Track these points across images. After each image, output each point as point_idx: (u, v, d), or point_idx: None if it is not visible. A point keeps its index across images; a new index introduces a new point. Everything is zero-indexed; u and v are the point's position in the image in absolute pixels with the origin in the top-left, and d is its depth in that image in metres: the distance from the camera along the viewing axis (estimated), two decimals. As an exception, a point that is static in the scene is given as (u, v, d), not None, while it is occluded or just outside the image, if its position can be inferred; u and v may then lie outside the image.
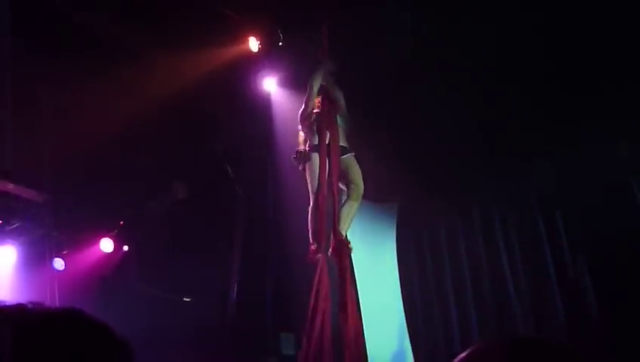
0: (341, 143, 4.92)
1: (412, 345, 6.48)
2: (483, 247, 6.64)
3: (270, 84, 6.95)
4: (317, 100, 5.07)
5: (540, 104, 5.98)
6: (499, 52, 5.91)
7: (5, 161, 5.82)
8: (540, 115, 6.01)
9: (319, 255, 4.49)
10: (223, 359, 6.80)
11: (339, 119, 5.07)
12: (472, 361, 1.01)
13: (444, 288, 6.80)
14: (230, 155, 7.51)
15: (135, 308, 6.81)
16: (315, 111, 5.06)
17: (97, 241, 7.13)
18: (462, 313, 6.61)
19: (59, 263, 6.59)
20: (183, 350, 6.55)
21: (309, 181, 4.78)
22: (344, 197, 4.84)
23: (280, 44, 6.66)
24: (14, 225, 6.14)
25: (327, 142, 4.80)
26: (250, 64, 6.90)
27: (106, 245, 7.15)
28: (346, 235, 4.71)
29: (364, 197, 5.06)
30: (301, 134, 5.20)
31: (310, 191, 4.74)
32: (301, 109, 5.10)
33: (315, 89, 4.98)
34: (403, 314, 6.65)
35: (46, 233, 6.38)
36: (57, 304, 5.82)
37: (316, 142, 4.84)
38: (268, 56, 6.85)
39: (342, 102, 5.07)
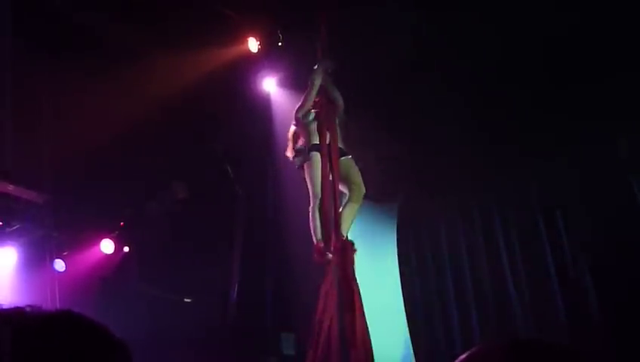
0: (339, 145, 4.90)
1: (413, 345, 6.48)
2: (483, 247, 6.63)
3: (270, 85, 6.95)
4: (315, 99, 5.04)
5: (540, 104, 5.98)
6: (499, 51, 5.90)
7: (5, 161, 5.82)
8: (540, 115, 6.01)
9: (329, 256, 4.45)
10: (224, 359, 6.80)
11: (337, 120, 5.05)
12: None
13: (445, 288, 6.80)
14: (230, 155, 7.51)
15: (135, 308, 6.82)
16: (313, 110, 5.02)
17: (98, 242, 7.14)
18: (462, 313, 6.61)
19: (59, 264, 6.60)
20: (184, 350, 6.55)
21: (308, 181, 4.75)
22: (344, 199, 4.82)
23: (280, 44, 6.66)
24: (15, 227, 6.14)
25: (327, 143, 4.77)
26: (250, 64, 6.90)
27: (107, 246, 7.16)
28: (346, 236, 4.69)
29: (365, 197, 5.05)
30: (292, 130, 5.14)
31: (311, 191, 4.71)
32: (298, 105, 5.03)
33: (317, 86, 4.94)
34: (404, 314, 6.64)
35: (46, 234, 6.38)
36: (58, 305, 5.84)
37: (315, 142, 4.80)
38: (267, 57, 6.85)
39: (340, 102, 5.05)
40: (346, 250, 4.46)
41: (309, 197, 4.78)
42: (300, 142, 5.05)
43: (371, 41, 6.04)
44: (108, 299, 6.82)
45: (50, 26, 6.01)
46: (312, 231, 4.63)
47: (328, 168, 4.64)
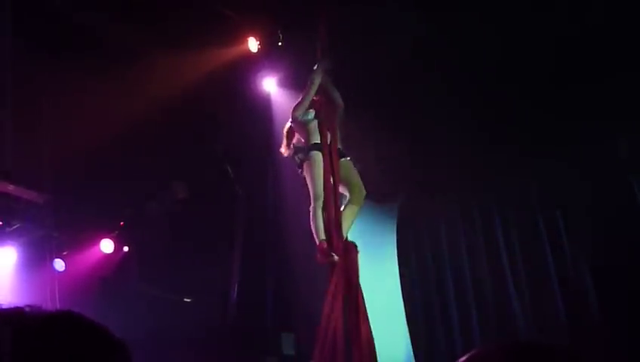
0: (338, 145, 4.88)
1: (413, 345, 6.48)
2: (483, 247, 6.63)
3: (270, 85, 6.95)
4: (315, 98, 5.02)
5: (540, 103, 5.98)
6: (499, 51, 5.90)
7: (5, 161, 5.82)
8: (540, 115, 6.01)
9: (334, 257, 4.42)
10: (224, 359, 6.80)
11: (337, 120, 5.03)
12: None
13: (445, 288, 6.80)
14: (230, 155, 7.51)
15: (135, 308, 6.82)
16: (312, 109, 5.00)
17: (98, 242, 7.13)
18: (462, 313, 6.61)
19: (59, 264, 6.60)
20: (184, 350, 6.55)
21: (309, 180, 4.71)
22: (344, 201, 4.79)
23: (280, 44, 6.65)
24: (15, 226, 6.14)
25: (329, 142, 4.75)
26: (250, 64, 6.90)
27: (107, 246, 7.16)
28: (346, 237, 4.68)
29: (365, 197, 5.04)
30: (287, 126, 5.11)
31: (311, 190, 4.68)
32: (296, 103, 4.99)
33: (316, 85, 4.91)
34: (404, 314, 6.64)
35: (46, 234, 6.38)
36: (58, 305, 5.85)
37: (316, 141, 4.78)
38: (268, 57, 6.85)
39: (340, 102, 5.03)
40: (350, 251, 4.45)
41: (309, 197, 4.77)
42: (295, 140, 5.02)
43: (371, 41, 6.04)
44: (108, 298, 6.82)
45: (50, 26, 6.01)
46: (313, 232, 4.60)
47: (330, 168, 4.62)
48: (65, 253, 6.77)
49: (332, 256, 4.38)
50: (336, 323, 4.13)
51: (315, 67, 4.97)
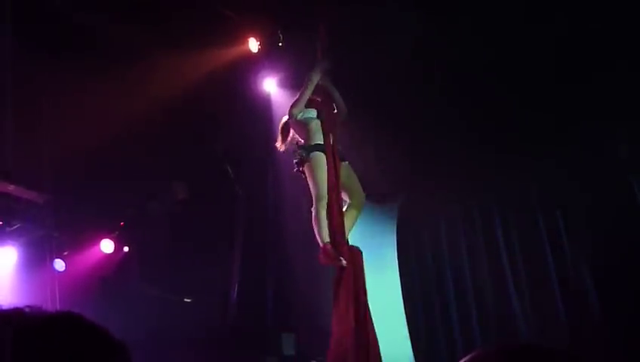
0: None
1: (413, 345, 6.48)
2: (484, 247, 6.63)
3: (270, 85, 6.95)
4: (316, 98, 5.00)
5: (540, 104, 5.98)
6: (499, 52, 5.90)
7: (6, 161, 5.82)
8: (540, 115, 6.01)
9: (343, 261, 4.40)
10: (224, 359, 6.80)
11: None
12: None
13: (445, 288, 6.80)
14: (230, 155, 7.51)
15: (135, 308, 6.82)
16: (312, 108, 4.98)
17: (98, 242, 7.13)
18: (463, 313, 6.61)
19: (59, 264, 6.59)
20: (184, 350, 6.55)
21: (311, 181, 4.67)
22: (344, 206, 4.76)
23: (280, 44, 6.66)
24: (15, 226, 6.14)
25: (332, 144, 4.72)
26: (250, 65, 6.90)
27: (107, 246, 7.16)
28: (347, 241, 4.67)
29: (365, 197, 5.03)
30: (282, 121, 5.08)
31: (314, 191, 4.63)
32: (294, 101, 4.95)
33: (314, 84, 4.88)
34: (404, 314, 6.64)
35: (46, 234, 6.38)
36: (58, 305, 5.85)
37: (318, 142, 4.74)
38: (268, 57, 6.85)
39: (343, 105, 5.00)
40: (356, 256, 4.44)
41: (309, 197, 4.76)
42: (292, 137, 5.00)
43: (371, 41, 6.04)
44: (108, 299, 6.82)
45: (51, 26, 6.01)
46: (316, 233, 4.56)
47: (333, 170, 4.59)
48: (65, 253, 6.77)
49: (340, 260, 4.35)
50: (350, 332, 4.11)
51: (315, 66, 4.95)
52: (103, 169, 6.76)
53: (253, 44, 6.81)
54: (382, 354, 4.20)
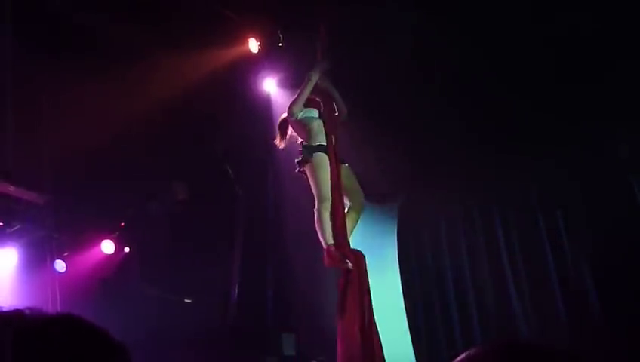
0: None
1: (413, 345, 6.48)
2: (484, 247, 6.63)
3: (270, 85, 6.96)
4: (316, 98, 4.99)
5: (540, 104, 5.98)
6: (499, 51, 5.90)
7: (6, 161, 5.82)
8: (540, 115, 6.01)
9: (349, 264, 4.39)
10: (224, 359, 6.80)
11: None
12: None
13: (446, 288, 6.80)
14: (230, 156, 7.51)
15: (136, 309, 6.82)
16: (314, 108, 4.97)
17: (98, 243, 7.13)
18: (463, 313, 6.61)
19: (60, 265, 6.59)
20: (184, 350, 6.55)
21: (313, 182, 4.63)
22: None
23: (280, 45, 6.66)
24: (15, 228, 6.14)
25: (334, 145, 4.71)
26: (251, 65, 6.91)
27: (107, 247, 7.16)
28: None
29: (365, 197, 5.03)
30: (281, 118, 5.07)
31: (316, 192, 4.61)
32: (293, 99, 4.92)
33: (313, 83, 4.87)
34: (404, 314, 6.65)
35: (47, 235, 6.38)
36: (58, 306, 5.85)
37: (320, 142, 4.73)
38: (268, 57, 6.85)
39: (344, 108, 4.99)
40: (360, 259, 4.43)
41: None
42: (289, 135, 4.99)
43: (371, 41, 6.04)
44: (108, 299, 6.82)
45: (51, 26, 6.01)
46: (319, 235, 4.53)
47: (336, 171, 4.58)
48: (66, 254, 6.76)
49: (347, 262, 4.34)
50: (358, 336, 4.12)
51: (315, 66, 4.94)
52: (103, 169, 6.76)
53: (254, 45, 6.81)
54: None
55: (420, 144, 6.70)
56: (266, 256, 7.55)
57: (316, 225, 4.53)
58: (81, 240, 6.99)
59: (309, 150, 4.65)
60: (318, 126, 4.79)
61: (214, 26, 6.43)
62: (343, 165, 4.73)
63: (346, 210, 4.65)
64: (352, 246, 4.52)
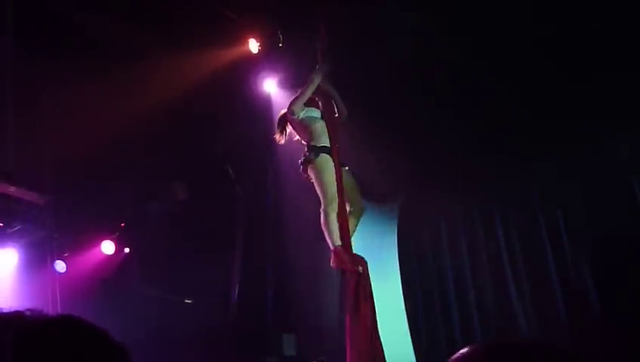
0: None
1: (413, 346, 6.48)
2: (484, 247, 6.63)
3: (270, 85, 6.96)
4: (317, 100, 4.99)
5: (541, 103, 5.98)
6: (499, 52, 5.90)
7: (7, 161, 5.83)
8: (541, 115, 6.01)
9: (360, 268, 4.38)
10: (225, 360, 6.81)
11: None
12: None
13: (446, 288, 6.80)
14: (230, 156, 7.51)
15: (136, 309, 6.83)
16: (316, 108, 4.96)
17: (98, 243, 7.14)
18: (463, 313, 6.61)
19: (60, 265, 6.60)
20: (184, 351, 6.56)
21: (318, 183, 4.59)
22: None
23: (280, 45, 6.66)
24: (15, 228, 6.15)
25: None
26: (251, 65, 6.91)
27: (107, 247, 7.16)
28: None
29: (365, 197, 5.02)
30: (280, 114, 5.06)
31: (322, 193, 4.56)
32: (294, 97, 4.87)
33: (315, 84, 4.86)
34: (404, 314, 6.65)
35: (47, 235, 6.38)
36: (59, 306, 5.86)
37: (323, 144, 4.71)
38: (268, 58, 6.86)
39: (344, 109, 4.99)
40: (363, 264, 4.43)
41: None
42: (289, 132, 4.98)
43: (371, 41, 6.04)
44: (108, 299, 6.83)
45: (51, 27, 6.01)
46: (327, 236, 4.48)
47: (339, 173, 4.58)
48: (66, 255, 6.77)
49: (358, 266, 4.34)
50: (367, 339, 4.12)
51: (317, 67, 4.94)
52: (103, 169, 6.77)
53: (254, 45, 6.82)
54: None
55: (420, 144, 6.70)
56: (266, 256, 7.55)
57: (323, 226, 4.50)
58: (82, 240, 7.00)
59: (315, 151, 4.63)
60: (320, 127, 4.77)
61: (214, 26, 6.44)
62: (343, 168, 4.71)
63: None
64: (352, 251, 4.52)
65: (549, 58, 5.79)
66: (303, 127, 4.83)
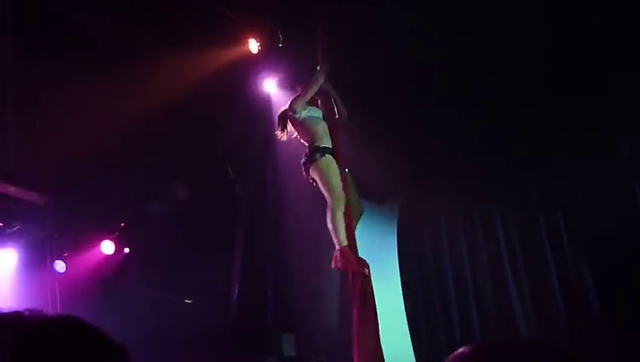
0: None
1: (413, 346, 6.48)
2: (484, 247, 6.63)
3: (270, 85, 6.96)
4: (319, 101, 4.99)
5: (541, 104, 5.98)
6: (499, 52, 5.90)
7: (7, 161, 5.82)
8: (541, 115, 6.01)
9: (366, 271, 4.36)
10: (225, 360, 6.80)
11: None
12: None
13: (446, 288, 6.80)
14: (230, 156, 7.51)
15: (136, 309, 6.82)
16: (318, 108, 4.96)
17: (98, 243, 7.14)
18: (463, 313, 6.61)
19: (60, 265, 6.60)
20: (184, 351, 6.55)
21: (323, 182, 4.57)
22: None
23: (280, 45, 6.66)
24: (15, 228, 6.14)
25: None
26: (251, 65, 6.91)
27: (107, 247, 7.16)
28: None
29: (365, 197, 5.02)
30: (281, 111, 5.05)
31: (328, 193, 4.52)
32: (297, 95, 4.87)
33: (319, 85, 4.85)
34: (404, 315, 6.64)
35: (47, 235, 6.38)
36: (58, 306, 5.85)
37: (326, 145, 4.71)
38: (268, 58, 6.86)
39: (344, 110, 4.98)
40: (367, 267, 4.43)
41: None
42: (290, 129, 4.96)
43: (371, 41, 6.05)
44: (108, 299, 6.82)
45: (51, 27, 6.01)
46: (333, 235, 4.46)
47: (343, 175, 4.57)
48: (65, 255, 6.77)
49: (364, 268, 4.34)
50: (373, 343, 4.12)
51: (319, 68, 4.93)
52: (104, 169, 6.77)
53: (254, 45, 6.82)
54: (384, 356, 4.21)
55: (420, 144, 6.70)
56: (265, 256, 7.55)
57: (329, 225, 4.47)
58: (81, 240, 7.00)
59: (319, 151, 4.62)
60: (322, 129, 4.77)
61: (214, 26, 6.44)
62: (344, 171, 4.71)
63: None
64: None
65: (549, 58, 5.79)
66: (305, 128, 4.82)
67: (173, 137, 7.07)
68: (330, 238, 4.52)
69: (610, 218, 5.64)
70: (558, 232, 6.15)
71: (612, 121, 5.77)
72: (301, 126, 4.84)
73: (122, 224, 7.29)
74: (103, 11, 6.21)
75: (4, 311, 0.99)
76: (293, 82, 5.96)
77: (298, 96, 4.86)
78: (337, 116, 4.93)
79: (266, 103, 6.93)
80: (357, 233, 4.77)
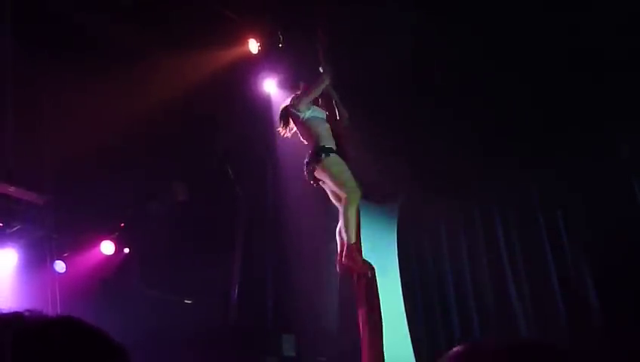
0: None
1: (413, 347, 6.47)
2: (484, 248, 6.63)
3: (270, 86, 6.96)
4: (320, 102, 4.99)
5: (541, 103, 5.98)
6: (499, 52, 5.90)
7: (7, 161, 5.82)
8: (541, 115, 6.01)
9: (369, 273, 4.34)
10: (225, 360, 6.80)
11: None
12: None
13: (446, 288, 6.80)
14: (230, 156, 7.51)
15: (136, 309, 6.82)
16: (321, 109, 4.95)
17: (98, 244, 7.13)
18: (463, 314, 6.61)
19: (60, 266, 6.59)
20: (184, 351, 6.55)
21: (336, 177, 4.52)
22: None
23: (280, 45, 6.66)
24: (15, 228, 6.13)
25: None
26: (251, 65, 6.91)
27: (107, 247, 7.15)
28: None
29: (365, 198, 5.02)
30: (282, 107, 5.03)
31: (343, 187, 4.49)
32: (300, 94, 4.86)
33: (324, 86, 4.85)
34: (404, 315, 6.64)
35: (47, 235, 6.37)
36: (58, 306, 5.85)
37: (330, 146, 4.70)
38: (268, 58, 6.86)
39: (344, 112, 4.98)
40: (372, 270, 4.43)
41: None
42: (291, 125, 4.95)
43: (371, 41, 6.05)
44: (108, 300, 6.82)
45: (51, 27, 6.01)
46: (343, 230, 4.43)
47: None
48: (65, 255, 6.76)
49: (368, 271, 4.34)
50: (379, 344, 4.13)
51: (325, 69, 4.92)
52: (104, 169, 6.77)
53: (254, 45, 6.82)
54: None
55: (420, 144, 6.70)
56: (266, 256, 7.55)
57: (341, 218, 4.44)
58: (81, 240, 6.99)
59: (325, 151, 4.60)
60: (326, 130, 4.76)
61: (214, 26, 6.44)
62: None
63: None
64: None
65: (550, 58, 5.79)
66: (308, 128, 4.80)
67: (173, 137, 7.07)
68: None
69: (610, 218, 5.64)
70: (558, 232, 6.15)
71: (612, 121, 5.77)
72: (304, 126, 4.83)
73: (122, 224, 7.28)
74: (103, 11, 6.21)
75: (4, 311, 0.99)
76: (294, 81, 5.95)
77: (302, 96, 4.84)
78: (338, 118, 4.93)
79: (266, 103, 6.93)
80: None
